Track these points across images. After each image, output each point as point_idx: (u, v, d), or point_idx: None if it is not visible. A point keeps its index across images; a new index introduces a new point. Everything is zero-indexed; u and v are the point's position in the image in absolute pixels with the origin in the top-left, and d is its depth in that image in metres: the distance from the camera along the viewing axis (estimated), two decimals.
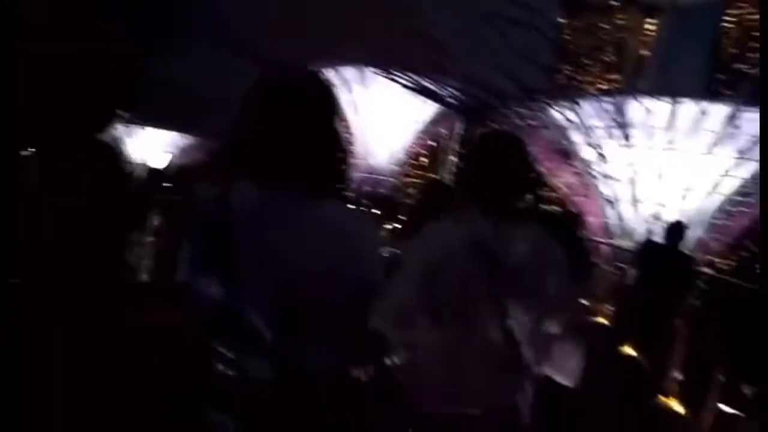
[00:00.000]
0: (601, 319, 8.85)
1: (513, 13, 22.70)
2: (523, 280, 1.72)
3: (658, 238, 7.06)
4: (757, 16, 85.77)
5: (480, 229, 1.75)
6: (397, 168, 29.94)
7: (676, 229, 6.47)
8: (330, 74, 28.69)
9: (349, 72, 28.23)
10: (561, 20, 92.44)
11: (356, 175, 28.21)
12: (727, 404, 5.60)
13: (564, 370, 1.79)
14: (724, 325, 6.29)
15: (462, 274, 1.72)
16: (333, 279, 1.35)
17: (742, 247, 64.88)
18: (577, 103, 21.15)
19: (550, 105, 21.94)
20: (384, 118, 27.69)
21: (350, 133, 30.11)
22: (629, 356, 6.59)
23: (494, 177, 1.74)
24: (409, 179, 71.59)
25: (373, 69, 27.02)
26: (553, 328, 1.74)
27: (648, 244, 7.25)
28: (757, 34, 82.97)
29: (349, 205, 1.72)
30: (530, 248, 1.73)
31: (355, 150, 29.25)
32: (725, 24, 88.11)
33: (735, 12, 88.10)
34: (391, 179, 28.68)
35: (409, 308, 1.65)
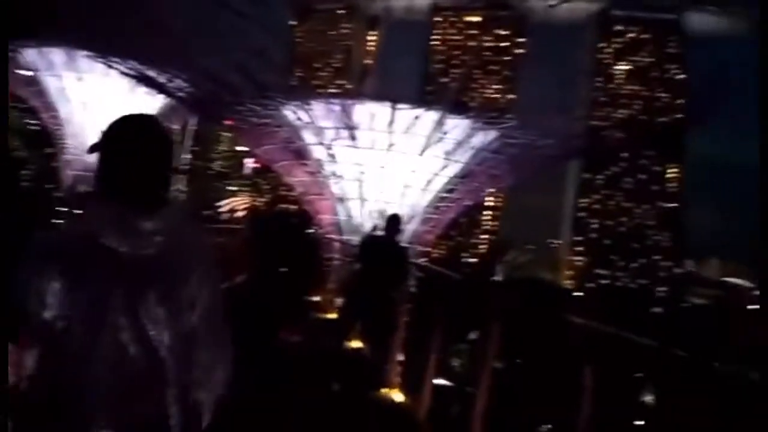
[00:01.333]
0: (330, 314, 9.19)
1: (246, 10, 22.47)
2: (156, 275, 1.55)
3: (380, 232, 7.58)
4: (458, 38, 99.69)
5: (98, 222, 1.54)
6: None
7: (393, 222, 6.96)
8: (34, 57, 24.85)
9: (56, 55, 24.74)
10: (292, 23, 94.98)
11: (70, 172, 24.85)
12: (441, 378, 6.21)
13: (209, 382, 1.64)
14: (437, 307, 6.95)
15: (77, 273, 1.50)
16: None
17: (449, 237, 74.82)
18: (309, 104, 21.89)
19: (283, 104, 22.30)
20: (102, 108, 24.78)
21: (59, 125, 26.46)
22: (355, 350, 6.93)
23: (119, 164, 1.57)
24: None
25: (88, 54, 24.08)
26: (196, 329, 1.59)
27: (368, 239, 7.66)
28: (459, 52, 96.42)
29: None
30: (167, 239, 1.56)
31: (68, 144, 25.78)
32: (432, 42, 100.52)
33: (440, 31, 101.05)
34: None
35: None
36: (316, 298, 10.19)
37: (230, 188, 79.15)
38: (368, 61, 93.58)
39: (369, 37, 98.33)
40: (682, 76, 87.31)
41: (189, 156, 71.35)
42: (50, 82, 25.80)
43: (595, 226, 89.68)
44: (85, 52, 23.80)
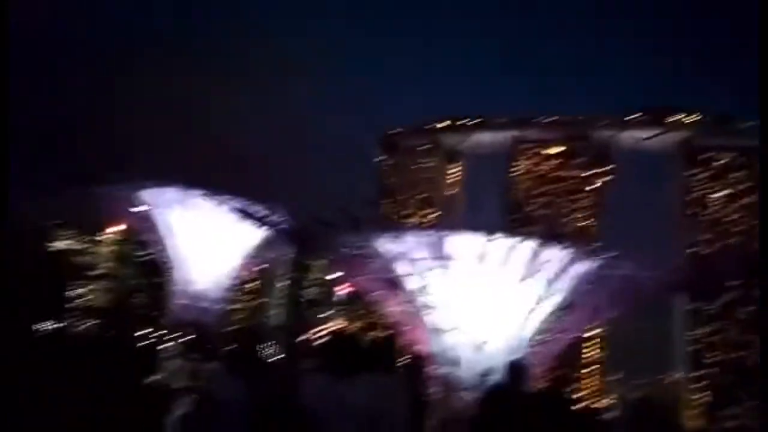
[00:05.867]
0: None
1: (338, 149, 24.03)
2: None
3: (495, 373, 7.07)
4: (541, 168, 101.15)
5: None
6: (223, 294, 28.14)
7: (517, 371, 6.33)
8: (151, 195, 27.16)
9: (170, 193, 26.91)
10: (379, 158, 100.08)
11: (176, 302, 26.10)
12: None
13: None
14: None
15: None
16: None
17: (557, 369, 70.30)
18: (400, 236, 22.30)
19: (375, 236, 22.85)
20: (209, 242, 26.38)
21: (168, 258, 28.12)
22: None
23: None
24: (238, 304, 68.17)
25: (197, 191, 26.14)
26: None
27: (493, 390, 6.82)
28: (541, 182, 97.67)
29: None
30: None
31: (176, 275, 27.28)
32: (514, 172, 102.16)
33: (520, 163, 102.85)
34: (217, 306, 26.93)
35: None
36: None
37: (320, 315, 79.49)
38: (452, 192, 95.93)
39: (450, 170, 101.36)
40: None
41: (284, 283, 73.97)
42: (161, 217, 27.83)
43: None
44: (199, 191, 25.89)
